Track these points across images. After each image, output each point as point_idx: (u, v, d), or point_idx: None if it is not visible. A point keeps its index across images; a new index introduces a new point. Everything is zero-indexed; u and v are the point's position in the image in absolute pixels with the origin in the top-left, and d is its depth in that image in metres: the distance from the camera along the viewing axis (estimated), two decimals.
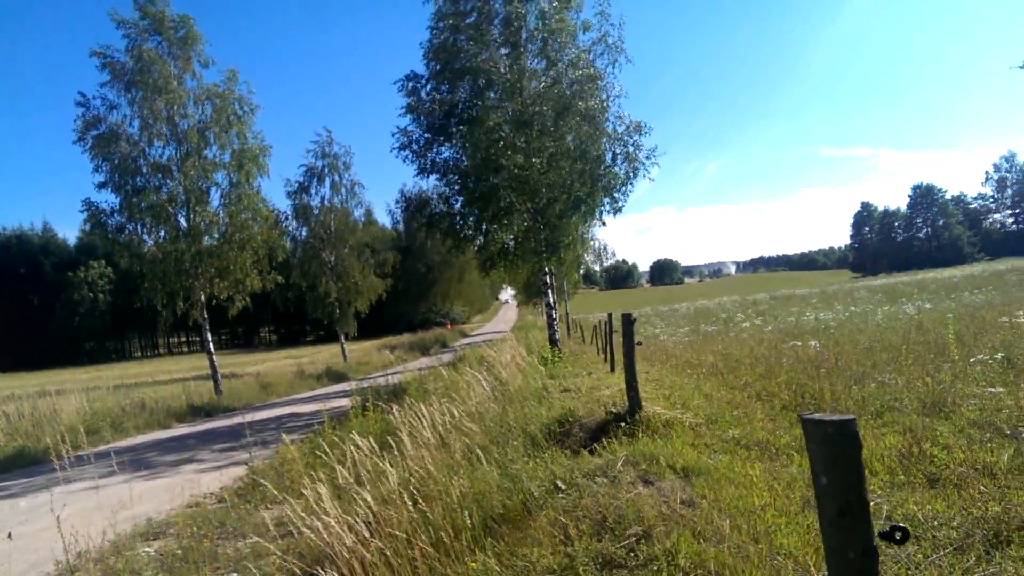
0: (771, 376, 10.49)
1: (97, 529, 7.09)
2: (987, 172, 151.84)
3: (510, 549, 4.70)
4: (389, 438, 6.95)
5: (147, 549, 6.92)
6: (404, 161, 19.85)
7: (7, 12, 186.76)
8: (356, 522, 4.83)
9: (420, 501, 5.18)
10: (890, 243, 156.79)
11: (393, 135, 19.69)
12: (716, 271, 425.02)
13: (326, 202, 40.28)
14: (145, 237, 23.66)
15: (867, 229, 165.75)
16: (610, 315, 14.65)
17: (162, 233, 23.63)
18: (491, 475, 6.02)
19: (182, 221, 23.81)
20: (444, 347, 45.76)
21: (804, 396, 8.51)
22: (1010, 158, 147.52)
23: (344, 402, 16.10)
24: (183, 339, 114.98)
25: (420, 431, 6.91)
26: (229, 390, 24.95)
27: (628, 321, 8.38)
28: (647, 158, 18.83)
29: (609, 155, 18.99)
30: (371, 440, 6.37)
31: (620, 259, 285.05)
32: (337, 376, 31.04)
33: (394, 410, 8.18)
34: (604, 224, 21.78)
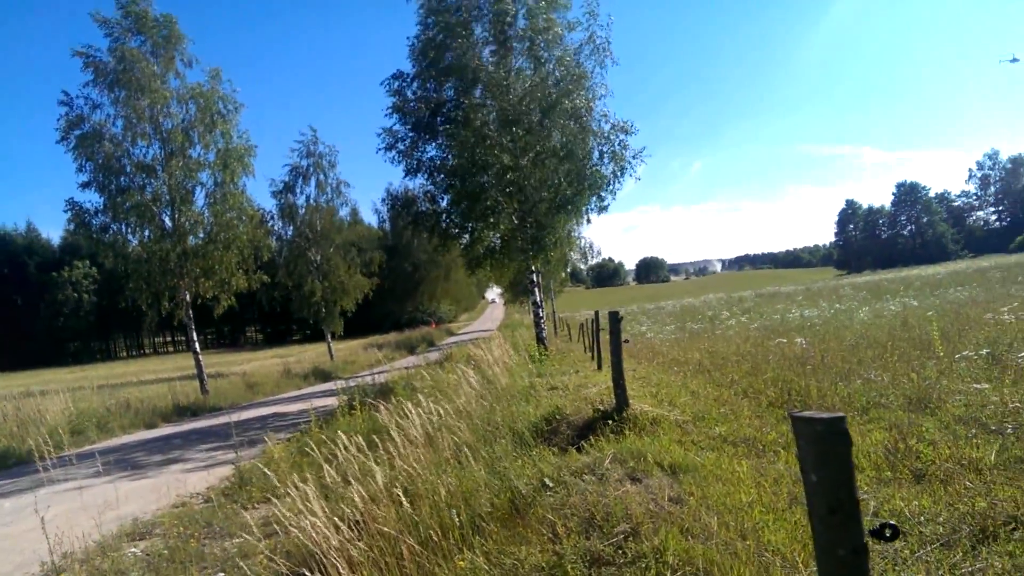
0: (757, 373, 10.52)
1: (83, 530, 7.04)
2: (970, 170, 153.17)
3: (498, 547, 4.69)
4: (376, 437, 6.93)
5: (133, 549, 6.88)
6: (391, 162, 19.85)
7: None
8: (343, 521, 4.81)
9: (408, 500, 5.16)
10: (875, 241, 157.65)
11: (378, 135, 19.72)
12: (702, 269, 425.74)
13: (312, 201, 40.17)
14: (130, 237, 23.54)
15: (852, 227, 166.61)
16: (597, 313, 14.66)
17: (147, 233, 23.51)
18: (479, 473, 6.01)
19: (167, 221, 23.69)
20: (431, 346, 45.74)
21: (790, 393, 8.54)
22: (993, 156, 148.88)
23: (331, 401, 16.06)
24: (169, 339, 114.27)
25: (407, 430, 6.89)
26: (215, 390, 24.83)
27: (615, 319, 8.38)
28: (633, 157, 18.89)
29: (596, 154, 19.02)
30: (358, 439, 6.35)
31: (606, 257, 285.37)
32: (324, 375, 30.95)
33: (381, 409, 8.16)
34: (590, 222, 21.82)
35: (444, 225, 20.61)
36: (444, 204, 20.47)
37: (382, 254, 48.84)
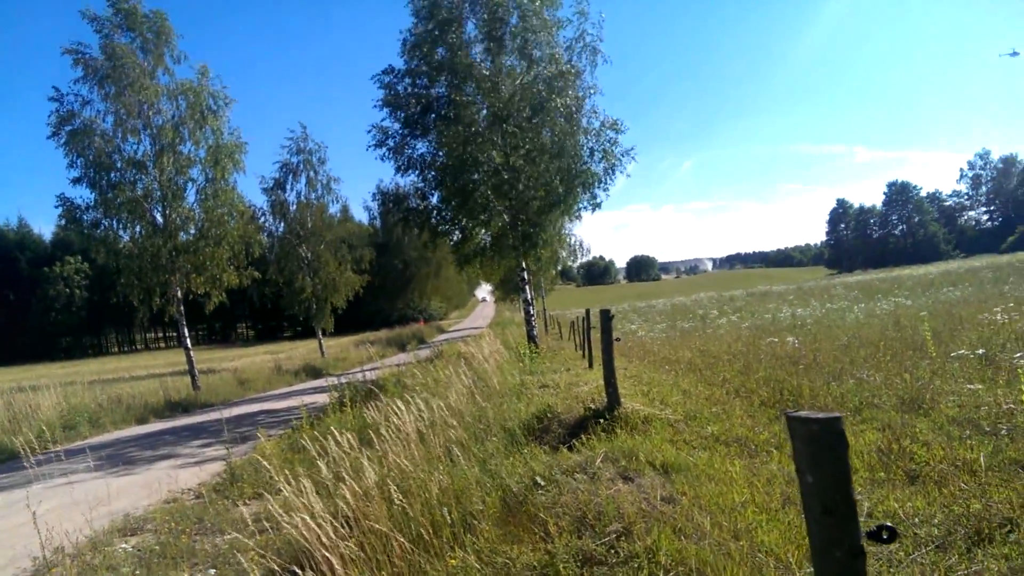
0: (749, 372, 10.53)
1: (74, 525, 7.02)
2: (962, 170, 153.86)
3: (490, 546, 4.67)
4: (368, 434, 6.91)
5: (124, 545, 6.85)
6: (381, 159, 19.85)
7: None
8: (335, 518, 4.79)
9: (399, 497, 5.14)
10: (866, 240, 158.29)
11: (369, 132, 19.71)
12: (693, 268, 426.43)
13: (302, 198, 40.05)
14: (121, 232, 23.48)
15: (843, 226, 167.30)
16: (588, 311, 14.68)
17: (138, 228, 23.46)
18: (471, 471, 6.00)
19: (158, 217, 23.64)
20: (421, 343, 45.69)
21: (783, 392, 8.53)
22: (984, 156, 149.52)
23: (322, 398, 16.02)
24: (160, 335, 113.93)
25: (399, 427, 6.87)
26: (206, 386, 24.79)
27: (606, 317, 8.36)
28: (623, 155, 18.91)
29: (587, 151, 19.03)
30: (350, 436, 6.32)
31: (597, 255, 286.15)
32: (315, 372, 30.91)
33: (372, 406, 8.14)
34: (580, 219, 21.81)
35: (434, 222, 20.58)
36: (435, 201, 20.45)
37: (372, 251, 48.68)
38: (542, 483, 5.59)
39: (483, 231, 20.42)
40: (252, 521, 6.05)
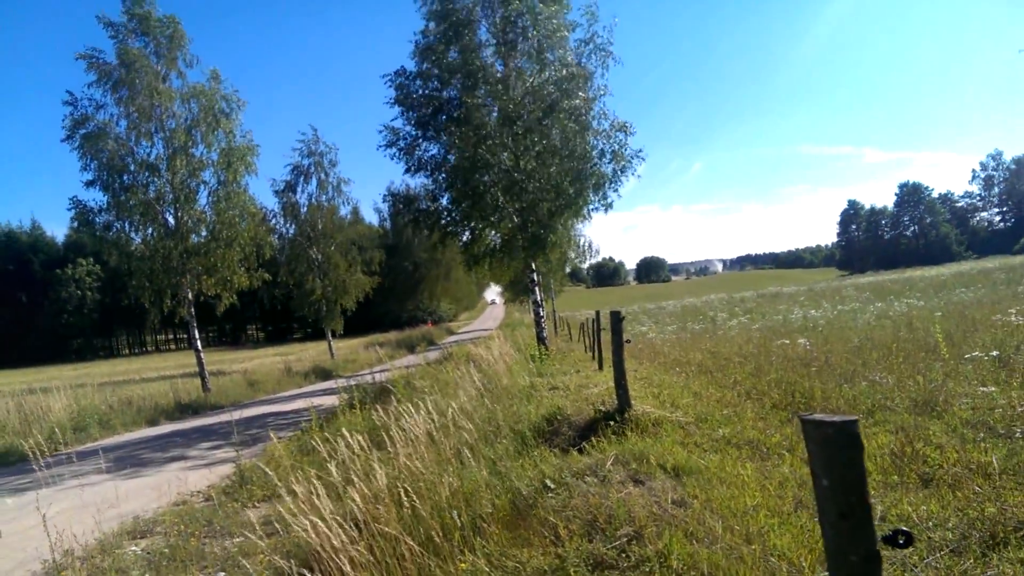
0: (760, 374, 10.47)
1: (84, 527, 7.03)
2: (974, 171, 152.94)
3: (500, 550, 4.65)
4: (378, 435, 6.89)
5: (134, 548, 6.86)
6: (392, 159, 19.87)
7: None
8: (345, 520, 4.77)
9: (409, 500, 5.12)
10: (877, 241, 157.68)
11: (380, 132, 19.70)
12: (703, 269, 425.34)
13: (313, 200, 40.13)
14: (133, 235, 23.64)
15: (854, 227, 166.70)
16: (598, 313, 14.63)
17: (150, 231, 23.62)
18: (480, 474, 5.98)
19: (170, 219, 23.78)
20: (431, 345, 45.69)
21: (794, 395, 8.48)
22: (997, 156, 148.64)
23: (332, 400, 16.02)
24: (171, 336, 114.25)
25: (408, 429, 6.85)
26: (217, 387, 24.86)
27: (617, 319, 8.33)
28: (632, 157, 18.88)
29: (596, 152, 18.99)
30: (360, 438, 6.31)
31: (606, 257, 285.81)
32: (324, 374, 30.96)
33: (381, 408, 8.12)
34: (590, 220, 21.75)
35: (444, 223, 20.57)
36: (445, 202, 20.44)
37: (382, 253, 48.78)
38: (552, 486, 5.57)
39: (493, 232, 20.42)
40: (262, 524, 6.04)
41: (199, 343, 25.13)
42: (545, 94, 18.05)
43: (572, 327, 31.70)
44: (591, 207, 19.62)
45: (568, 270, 45.31)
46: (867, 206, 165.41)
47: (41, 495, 7.35)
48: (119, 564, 6.28)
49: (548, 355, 17.83)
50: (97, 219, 22.97)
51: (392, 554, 4.60)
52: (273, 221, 39.06)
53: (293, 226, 40.04)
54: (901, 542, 1.95)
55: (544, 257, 20.51)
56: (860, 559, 1.94)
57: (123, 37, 22.71)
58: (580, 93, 18.34)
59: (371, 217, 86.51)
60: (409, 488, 5.24)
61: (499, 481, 5.82)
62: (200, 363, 24.81)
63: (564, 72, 18.30)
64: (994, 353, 8.71)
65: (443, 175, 19.72)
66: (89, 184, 22.54)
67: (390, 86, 19.36)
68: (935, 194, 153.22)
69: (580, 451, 6.82)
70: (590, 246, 38.63)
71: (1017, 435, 5.60)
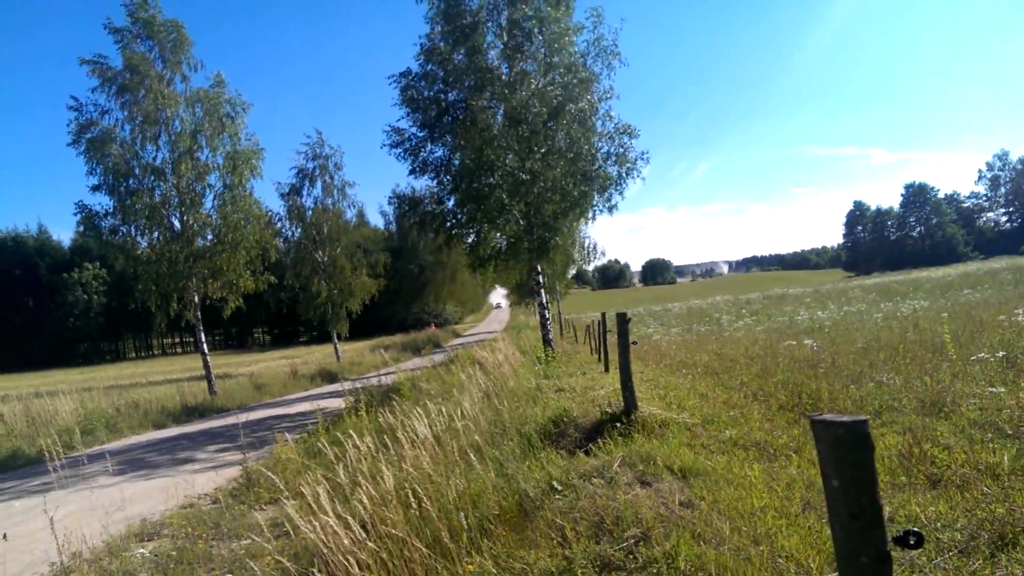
0: (767, 376, 10.45)
1: (92, 530, 7.05)
2: (980, 171, 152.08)
3: (507, 551, 4.65)
4: (384, 438, 6.90)
5: (141, 550, 6.87)
6: (397, 159, 19.84)
7: (0, 14, 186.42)
8: (352, 522, 4.77)
9: (416, 502, 5.12)
10: (883, 242, 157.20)
11: (385, 131, 19.67)
12: (708, 271, 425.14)
13: (318, 203, 40.19)
14: (139, 239, 23.73)
15: (860, 228, 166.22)
16: (603, 315, 14.63)
17: (156, 235, 23.72)
18: (487, 476, 5.98)
19: (176, 223, 23.87)
20: (437, 347, 45.72)
21: (801, 396, 8.45)
22: (1003, 157, 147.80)
23: (338, 402, 16.04)
24: (177, 340, 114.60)
25: (415, 431, 6.86)
26: (223, 390, 24.91)
27: (623, 320, 8.32)
28: (637, 159, 18.88)
29: (601, 154, 18.98)
30: (367, 440, 6.32)
31: (612, 259, 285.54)
32: (330, 376, 30.99)
33: (388, 411, 8.13)
34: (594, 220, 21.71)
35: (450, 225, 20.58)
36: (450, 204, 20.44)
37: (388, 255, 48.85)
38: (559, 488, 5.56)
39: (498, 235, 20.41)
40: (269, 526, 6.05)
41: (205, 346, 25.23)
42: (551, 96, 18.03)
43: (578, 329, 31.71)
44: (595, 209, 19.62)
45: (573, 272, 45.19)
46: (873, 207, 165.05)
47: (49, 498, 7.36)
48: (126, 566, 6.30)
49: (554, 357, 17.83)
50: (103, 223, 23.06)
51: (399, 556, 4.61)
52: (279, 224, 39.19)
53: (299, 229, 40.11)
54: (912, 543, 1.95)
55: (549, 258, 20.47)
56: (871, 560, 1.93)
57: (128, 42, 22.82)
58: (586, 96, 18.34)
59: (376, 220, 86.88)
60: (416, 490, 5.25)
61: (506, 483, 5.82)
62: (206, 366, 24.87)
63: (570, 75, 18.29)
64: (1001, 354, 8.67)
65: (448, 177, 19.72)
66: (95, 188, 22.65)
67: (396, 88, 19.38)
68: (941, 195, 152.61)
69: (587, 453, 6.81)
70: (595, 248, 38.51)
71: None
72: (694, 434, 7.25)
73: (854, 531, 1.95)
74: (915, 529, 1.96)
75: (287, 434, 11.06)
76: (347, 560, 4.39)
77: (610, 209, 19.62)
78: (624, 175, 19.01)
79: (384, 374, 19.67)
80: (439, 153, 19.84)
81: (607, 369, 13.98)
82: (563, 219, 19.02)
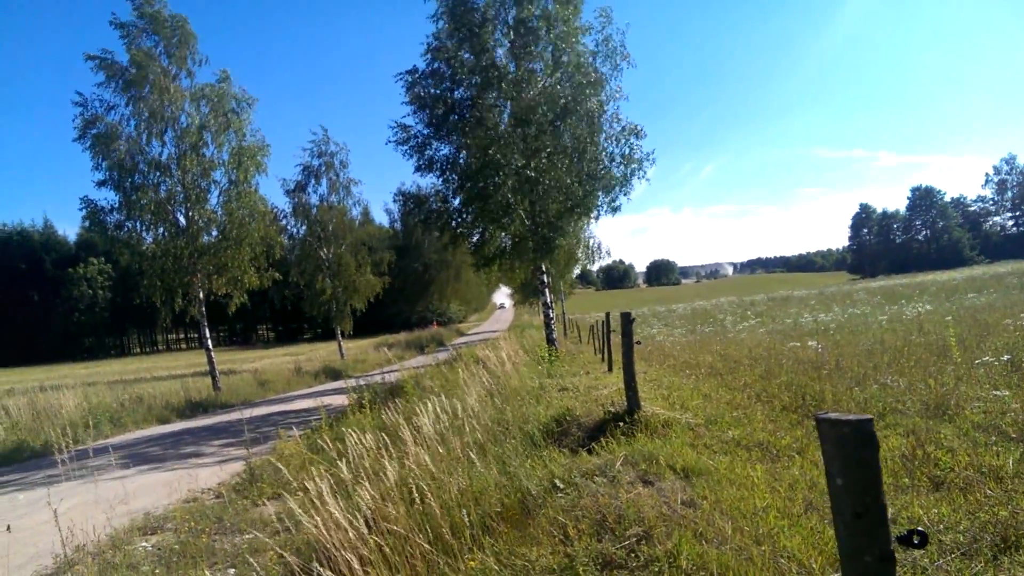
0: (771, 377, 10.43)
1: (95, 523, 7.05)
2: (987, 174, 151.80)
3: (509, 548, 4.65)
4: (386, 435, 6.90)
5: (144, 544, 6.90)
6: (403, 156, 19.82)
7: (7, 11, 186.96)
8: (355, 518, 4.78)
9: (419, 498, 5.13)
10: (889, 245, 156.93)
11: (391, 128, 19.63)
12: (713, 272, 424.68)
13: (324, 201, 40.20)
14: (144, 234, 23.80)
15: (865, 231, 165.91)
16: (608, 315, 14.61)
17: (161, 230, 23.78)
18: (490, 473, 5.98)
19: (181, 218, 23.92)
20: (440, 346, 45.72)
21: (805, 397, 8.43)
22: (1010, 160, 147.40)
23: (341, 399, 16.06)
24: (182, 336, 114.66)
25: (418, 428, 6.86)
26: (227, 386, 24.95)
27: (627, 320, 8.31)
28: (643, 159, 18.86)
29: (607, 155, 18.97)
30: (369, 437, 6.33)
31: (616, 259, 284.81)
32: (334, 374, 31.03)
33: (391, 408, 8.14)
34: (597, 220, 21.70)
35: (455, 224, 20.58)
36: (456, 203, 20.43)
37: (392, 254, 48.89)
38: (561, 486, 5.57)
39: (503, 234, 20.40)
40: (271, 521, 6.06)
41: (210, 342, 25.27)
42: (558, 96, 18.02)
43: (582, 329, 31.71)
44: (599, 209, 19.61)
45: (577, 272, 45.19)
46: (879, 210, 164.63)
47: (53, 491, 7.39)
48: (130, 560, 6.32)
49: (558, 357, 17.82)
50: (108, 218, 23.12)
51: (401, 551, 4.61)
52: (284, 221, 39.20)
53: (304, 226, 40.11)
54: (916, 542, 1.94)
55: (553, 259, 20.47)
56: (874, 559, 1.93)
57: (133, 37, 22.86)
58: (594, 96, 18.32)
59: (381, 218, 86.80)
60: (419, 487, 5.25)
61: (508, 480, 5.82)
62: (211, 362, 24.92)
63: (578, 74, 18.28)
64: (1006, 357, 8.65)
65: (454, 175, 19.70)
66: (101, 184, 22.72)
67: (402, 86, 19.35)
68: (947, 198, 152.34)
69: (589, 452, 6.81)
70: (599, 247, 38.49)
71: None
72: (697, 434, 7.24)
73: (858, 530, 1.94)
74: (919, 529, 1.96)
75: (291, 430, 11.07)
76: (349, 555, 4.40)
77: (613, 210, 19.63)
78: (629, 176, 19.01)
79: (388, 372, 19.69)
80: (445, 151, 19.83)
81: (610, 369, 13.98)
82: (567, 218, 19.01)
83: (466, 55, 18.45)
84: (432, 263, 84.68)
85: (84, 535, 6.61)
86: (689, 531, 4.43)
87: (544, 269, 20.70)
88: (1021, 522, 4.04)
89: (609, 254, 27.60)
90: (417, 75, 19.19)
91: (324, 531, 4.60)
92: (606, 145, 19.00)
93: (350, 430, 6.91)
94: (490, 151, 17.41)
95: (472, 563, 4.49)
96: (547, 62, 18.79)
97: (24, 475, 12.31)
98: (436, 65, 18.99)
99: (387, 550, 4.57)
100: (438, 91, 19.18)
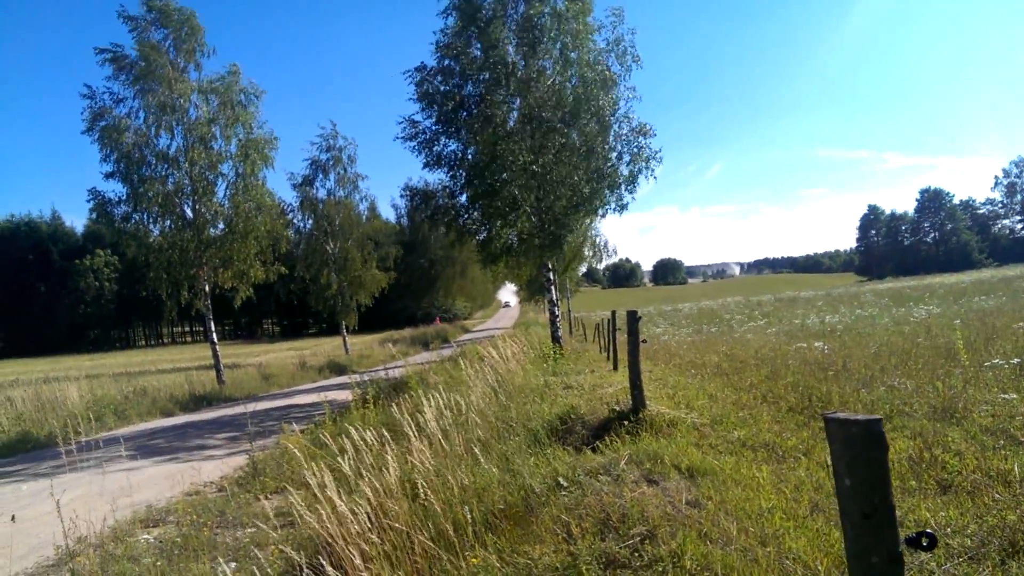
0: (777, 378, 10.40)
1: (97, 515, 7.06)
2: (996, 177, 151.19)
3: (511, 546, 4.63)
4: (391, 430, 6.88)
5: (146, 536, 6.89)
6: (411, 152, 19.79)
7: (15, 3, 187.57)
8: (357, 513, 4.76)
9: (421, 494, 5.10)
10: (897, 247, 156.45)
11: (399, 123, 19.62)
12: (720, 272, 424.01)
13: (331, 195, 40.17)
14: (151, 226, 23.81)
15: (873, 232, 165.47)
16: (613, 313, 14.59)
17: (168, 223, 23.78)
18: (493, 471, 5.95)
19: (188, 211, 23.91)
20: (445, 342, 45.71)
21: (811, 398, 8.40)
22: (1020, 163, 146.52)
23: (346, 394, 16.06)
24: (187, 329, 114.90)
25: (421, 424, 6.84)
26: (231, 380, 24.98)
27: (633, 319, 8.28)
28: (651, 158, 18.82)
29: (615, 153, 18.95)
30: (372, 432, 6.30)
31: (623, 258, 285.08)
32: (339, 369, 31.02)
33: (395, 404, 8.12)
34: (604, 217, 21.68)
35: (462, 221, 20.57)
36: (463, 199, 20.41)
37: (399, 249, 48.80)
38: (565, 484, 5.54)
39: (510, 230, 20.38)
40: (274, 515, 6.05)
41: (215, 336, 25.29)
42: (567, 94, 18.00)
43: (587, 327, 31.66)
44: (606, 207, 19.57)
45: (584, 269, 45.20)
46: (887, 211, 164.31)
47: (55, 482, 7.38)
48: (131, 552, 6.30)
49: (563, 354, 17.79)
50: (116, 210, 23.12)
51: (403, 547, 4.59)
52: (290, 215, 39.14)
53: (310, 220, 40.07)
54: (925, 544, 1.91)
55: (560, 256, 20.45)
56: (882, 560, 1.90)
57: (142, 29, 22.88)
58: (603, 95, 18.29)
59: (388, 213, 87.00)
60: (422, 483, 5.23)
61: (511, 478, 5.79)
62: (215, 356, 24.96)
63: (590, 74, 18.24)
64: (1015, 360, 8.60)
65: (462, 172, 19.68)
66: (108, 176, 22.71)
67: (410, 83, 19.34)
68: (956, 200, 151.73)
69: (594, 450, 6.79)
70: (606, 245, 38.45)
71: None
72: (702, 434, 7.22)
73: (866, 531, 1.91)
74: (928, 531, 1.92)
75: (294, 424, 11.07)
76: (351, 550, 4.37)
77: (620, 208, 19.59)
78: (637, 174, 18.97)
79: (392, 367, 19.68)
80: (453, 147, 19.82)
81: (616, 367, 13.95)
82: (574, 215, 18.99)
83: (475, 52, 18.44)
84: (438, 259, 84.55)
85: (86, 526, 6.61)
86: (693, 531, 4.40)
87: (550, 266, 20.68)
88: None
89: (616, 252, 27.59)
90: (426, 71, 19.18)
91: (328, 526, 4.58)
92: (615, 143, 18.98)
93: (353, 426, 6.89)
94: (498, 147, 17.40)
95: (474, 560, 4.47)
96: (556, 60, 18.76)
97: (28, 465, 12.34)
98: (445, 62, 18.97)
99: (389, 546, 4.55)
100: (447, 87, 19.17)
